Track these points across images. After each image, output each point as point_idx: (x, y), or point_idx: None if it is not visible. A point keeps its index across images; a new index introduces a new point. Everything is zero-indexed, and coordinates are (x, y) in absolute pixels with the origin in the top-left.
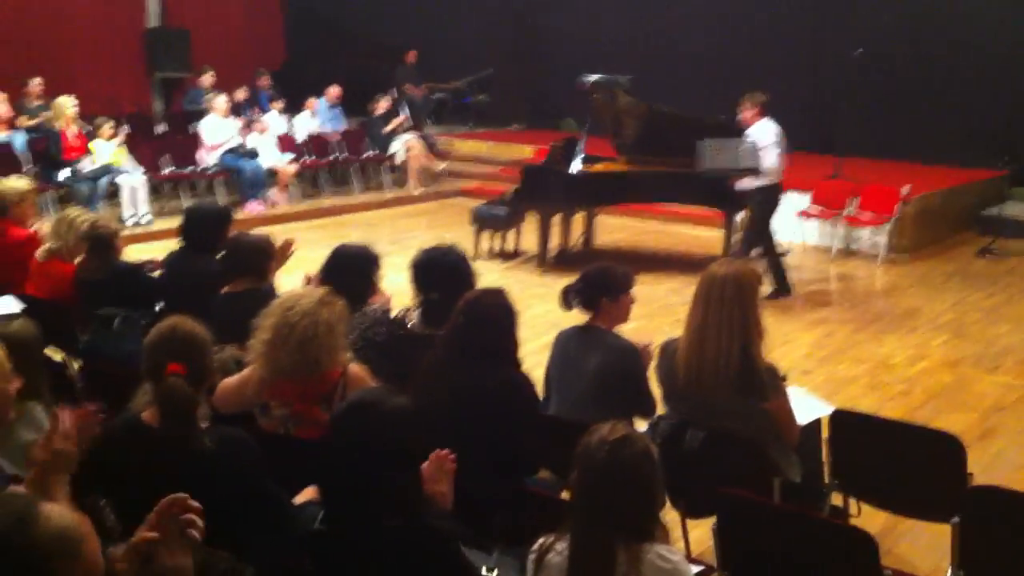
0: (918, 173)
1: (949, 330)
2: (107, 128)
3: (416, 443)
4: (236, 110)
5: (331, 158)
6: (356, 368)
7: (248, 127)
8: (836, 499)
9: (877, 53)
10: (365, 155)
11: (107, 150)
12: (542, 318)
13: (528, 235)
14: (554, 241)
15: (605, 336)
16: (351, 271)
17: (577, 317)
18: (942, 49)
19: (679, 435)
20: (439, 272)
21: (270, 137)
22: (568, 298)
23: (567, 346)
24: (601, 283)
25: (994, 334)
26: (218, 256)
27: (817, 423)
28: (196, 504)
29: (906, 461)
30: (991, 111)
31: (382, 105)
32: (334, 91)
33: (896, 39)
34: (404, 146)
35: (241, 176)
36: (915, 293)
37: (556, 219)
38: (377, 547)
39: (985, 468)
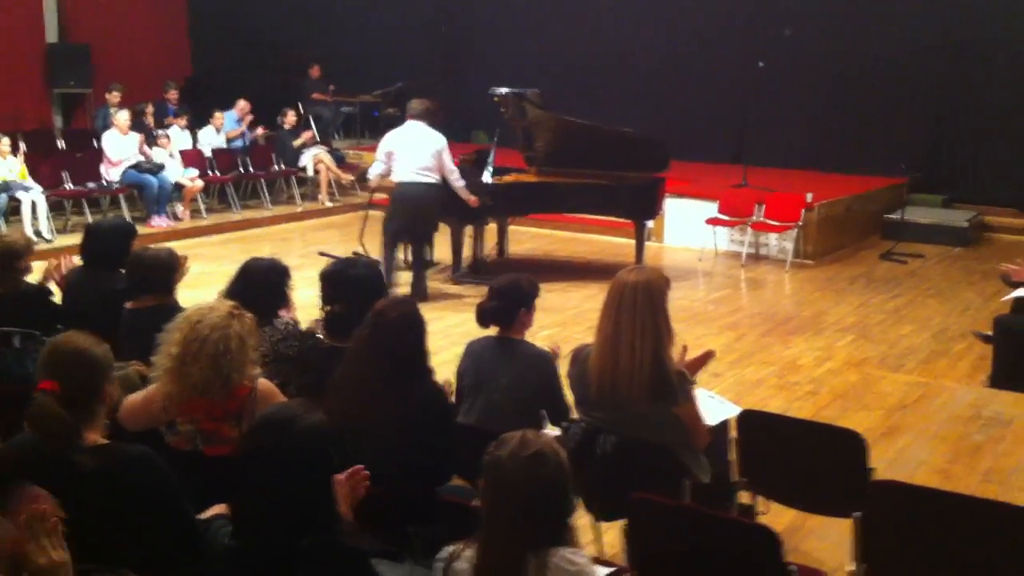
0: (822, 181)
1: (854, 332)
2: (4, 145)
3: (329, 459)
4: (140, 126)
5: (238, 172)
6: (266, 384)
7: (150, 142)
8: (745, 498)
9: (780, 65)
10: (274, 169)
11: (4, 167)
12: (456, 328)
13: (441, 246)
14: (467, 252)
15: (520, 346)
16: (261, 285)
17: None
18: (843, 61)
19: (591, 440)
20: (343, 284)
21: (174, 152)
22: (486, 317)
23: (481, 356)
24: (517, 296)
25: (897, 335)
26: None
27: (725, 424)
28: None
29: (811, 459)
30: (891, 121)
31: (290, 119)
32: (242, 104)
33: (797, 51)
34: (313, 160)
35: (146, 191)
36: (821, 296)
37: (468, 230)
38: (287, 564)
39: (889, 464)
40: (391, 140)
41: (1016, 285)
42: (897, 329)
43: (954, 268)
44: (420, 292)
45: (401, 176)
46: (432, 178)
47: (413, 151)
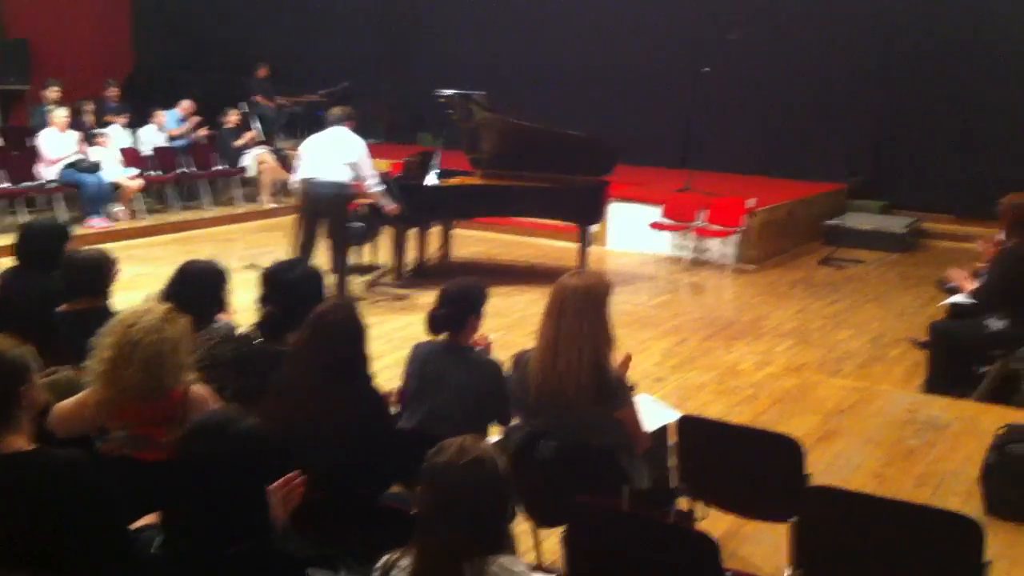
0: (764, 186)
1: (794, 336)
2: None
3: (264, 465)
4: (79, 124)
5: (179, 172)
6: (199, 388)
7: (88, 140)
8: (684, 503)
9: (724, 71)
10: (215, 169)
11: None
12: (398, 332)
13: (385, 249)
14: (411, 255)
15: (470, 353)
16: (198, 287)
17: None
18: (786, 67)
19: (531, 445)
20: (279, 287)
21: (113, 151)
22: (437, 324)
23: (427, 362)
24: (467, 301)
25: (835, 340)
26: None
27: (665, 429)
28: None
29: (748, 464)
30: (833, 127)
31: (232, 118)
32: (186, 104)
33: (742, 57)
34: (256, 160)
35: (83, 191)
36: (762, 301)
37: (412, 233)
38: (220, 572)
39: (826, 468)
40: (307, 142)
41: (952, 291)
42: (835, 334)
43: (892, 274)
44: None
45: (307, 173)
46: (341, 177)
47: (326, 151)
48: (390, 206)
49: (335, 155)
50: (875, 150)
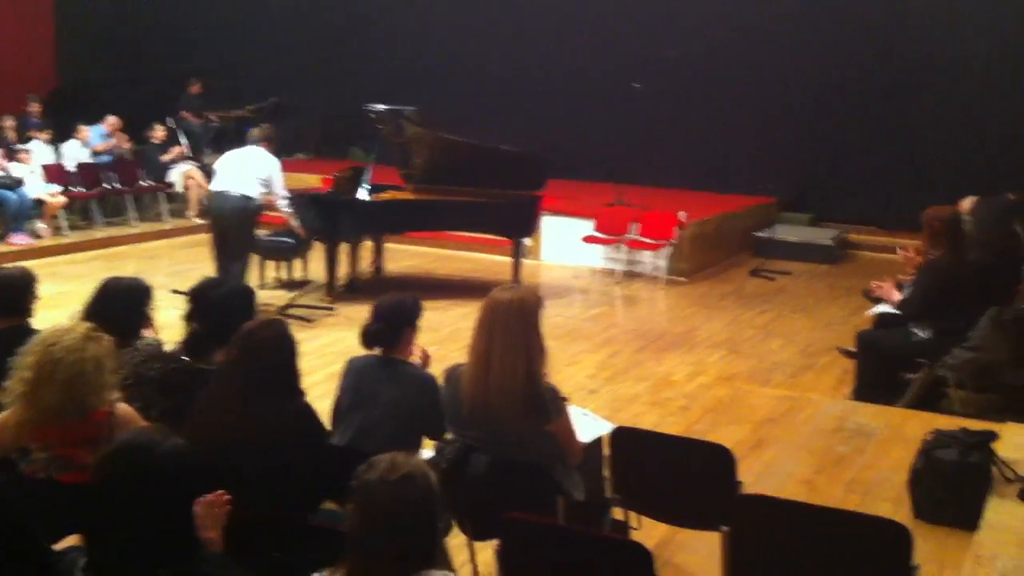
0: (695, 199)
1: (725, 347)
2: None
3: (189, 486)
4: (0, 140)
5: (103, 188)
6: (124, 408)
7: (10, 156)
8: (618, 514)
9: (654, 85)
10: (141, 184)
11: None
12: (330, 348)
13: (316, 264)
14: (343, 270)
15: (404, 367)
16: (120, 305)
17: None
18: (715, 82)
19: (464, 459)
20: (205, 305)
21: (35, 167)
22: (371, 339)
23: (361, 376)
24: (401, 315)
25: (766, 350)
26: None
27: (599, 441)
28: None
29: (681, 473)
30: (761, 141)
31: (159, 134)
32: (112, 119)
33: (672, 72)
34: (182, 175)
35: (4, 207)
36: (694, 313)
37: (344, 247)
38: None
39: (757, 477)
40: (223, 157)
41: (877, 301)
42: (766, 344)
43: (820, 284)
44: None
45: (216, 186)
46: (249, 191)
47: (239, 166)
48: (297, 226)
49: (247, 171)
50: (803, 164)
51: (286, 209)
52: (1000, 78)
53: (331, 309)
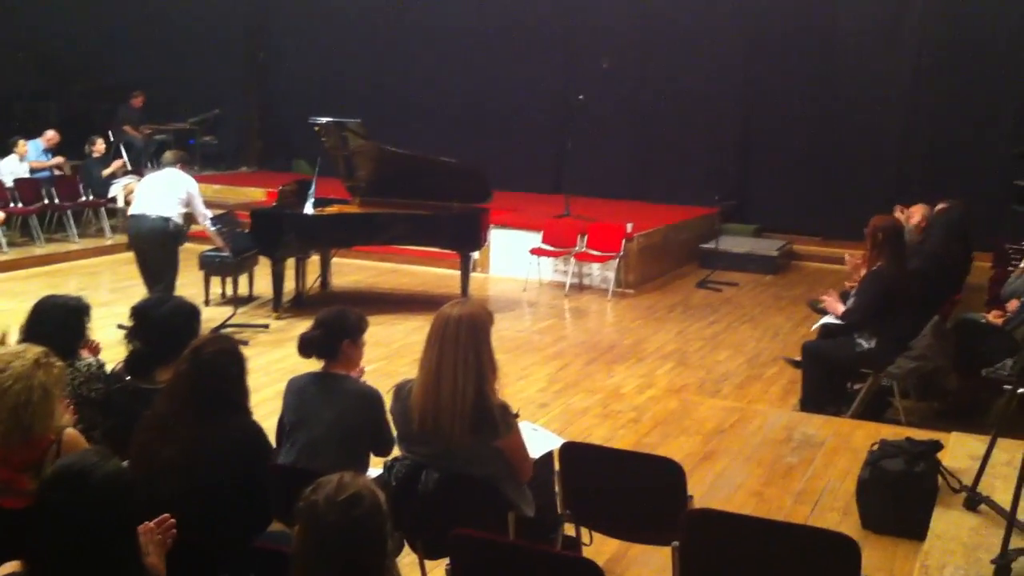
0: (641, 211)
1: (674, 359)
2: None
3: (131, 509)
4: None
5: (42, 203)
6: (72, 433)
7: None
8: (570, 529)
9: (599, 98)
10: (81, 200)
11: None
12: (277, 364)
13: (262, 279)
14: (289, 285)
15: (345, 382)
16: (56, 324)
17: (314, 362)
18: (658, 94)
19: (414, 477)
20: (147, 324)
21: None
22: (307, 347)
23: (303, 393)
24: (340, 327)
25: (714, 361)
26: None
27: (549, 456)
28: None
29: (632, 488)
30: (704, 153)
31: (99, 147)
32: (50, 134)
33: (615, 84)
34: (123, 190)
35: None
36: (642, 324)
37: (290, 262)
38: None
39: (708, 489)
40: (142, 181)
41: (822, 312)
42: (714, 355)
43: (765, 295)
44: None
45: (134, 209)
46: (167, 212)
47: (157, 188)
48: (221, 243)
49: (164, 192)
50: (745, 176)
51: (211, 228)
52: (935, 90)
53: (265, 327)
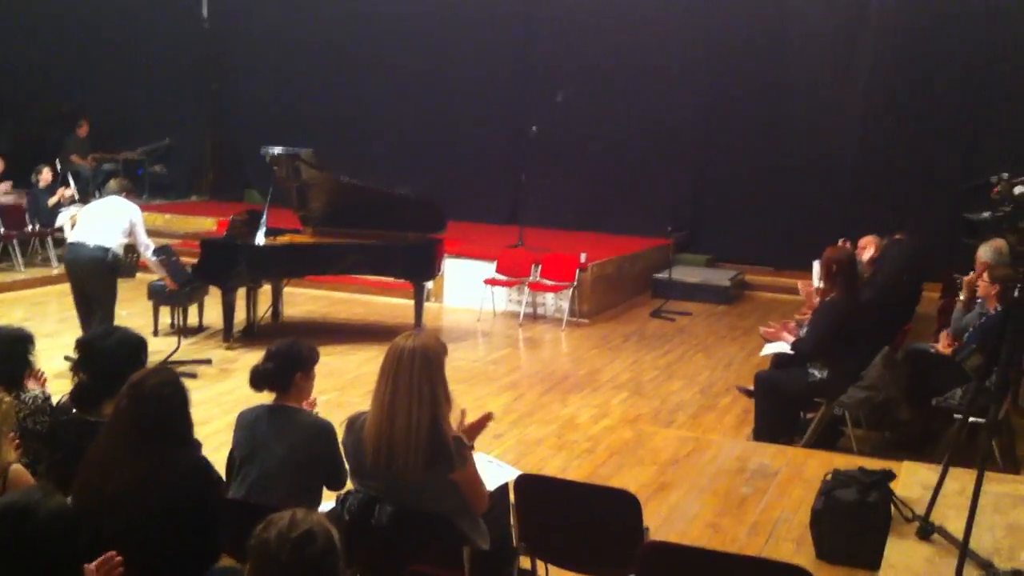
0: (595, 241)
1: (628, 388)
2: None
3: (76, 547)
4: None
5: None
6: (18, 470)
7: None
8: (525, 562)
9: (553, 129)
10: (28, 229)
11: None
12: (227, 396)
13: (212, 309)
14: (240, 315)
15: (297, 415)
16: (1, 354)
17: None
18: (611, 126)
19: (368, 511)
20: (93, 355)
21: None
22: (260, 380)
23: (255, 426)
24: (293, 359)
25: (668, 390)
26: None
27: (505, 488)
28: None
29: (587, 520)
30: (657, 184)
31: (45, 176)
32: None
33: (569, 116)
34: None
35: None
36: (597, 354)
37: (241, 292)
38: None
39: (664, 520)
40: (83, 209)
41: (770, 342)
42: (668, 385)
43: (719, 324)
44: None
45: (73, 237)
46: (105, 242)
47: (98, 217)
48: (168, 279)
49: (106, 221)
50: (697, 206)
51: (152, 259)
52: (886, 123)
53: (208, 362)
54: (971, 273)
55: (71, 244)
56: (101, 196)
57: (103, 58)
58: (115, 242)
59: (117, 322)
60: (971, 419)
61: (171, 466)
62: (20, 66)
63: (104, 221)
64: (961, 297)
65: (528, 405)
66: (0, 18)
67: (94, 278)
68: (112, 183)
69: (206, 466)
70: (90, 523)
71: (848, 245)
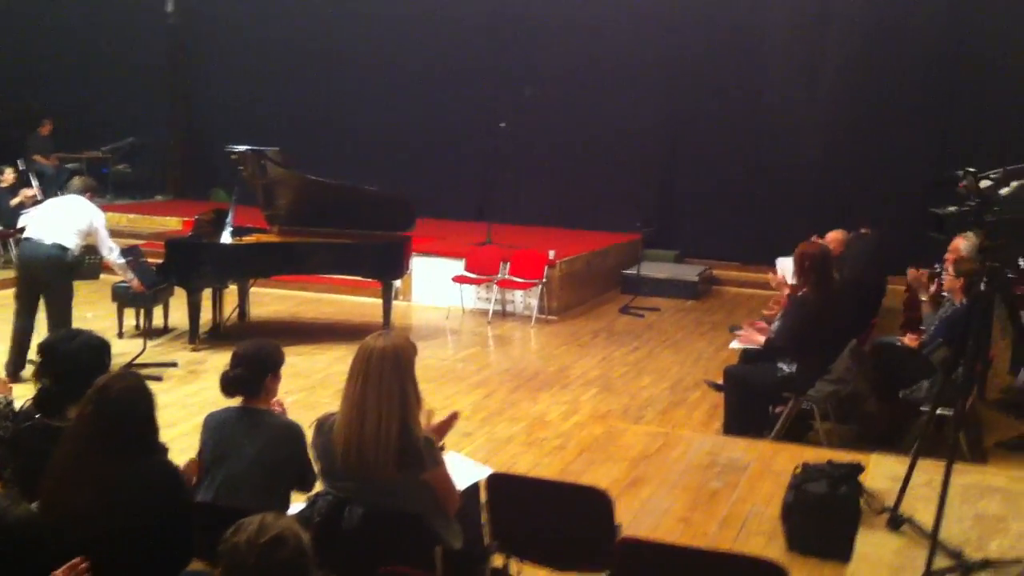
0: (563, 238)
1: (598, 384)
2: None
3: (42, 554)
4: None
5: None
6: None
7: None
8: (498, 561)
9: (521, 125)
10: None
11: None
12: (193, 398)
13: (177, 310)
14: (206, 316)
15: (266, 416)
16: None
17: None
18: (579, 122)
19: (338, 512)
20: (56, 359)
21: None
22: (231, 386)
23: (223, 429)
24: (263, 362)
25: (638, 386)
26: None
27: (476, 486)
28: None
29: (560, 518)
30: (625, 180)
31: (8, 177)
32: None
33: (537, 112)
34: None
35: None
36: (566, 351)
37: (207, 293)
38: None
39: (635, 515)
40: (42, 205)
41: (738, 336)
42: (637, 381)
43: (687, 320)
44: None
45: (29, 233)
46: (65, 241)
47: (56, 215)
48: (133, 281)
49: (66, 220)
50: (665, 202)
51: (117, 261)
52: (853, 118)
53: (174, 365)
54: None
55: (26, 240)
56: (63, 194)
57: (65, 55)
58: (74, 242)
59: (82, 324)
60: (938, 411)
61: (139, 473)
62: None
63: (63, 220)
64: (923, 298)
65: (498, 403)
66: None
67: (51, 277)
68: (75, 181)
69: (173, 472)
70: (56, 531)
71: (819, 241)
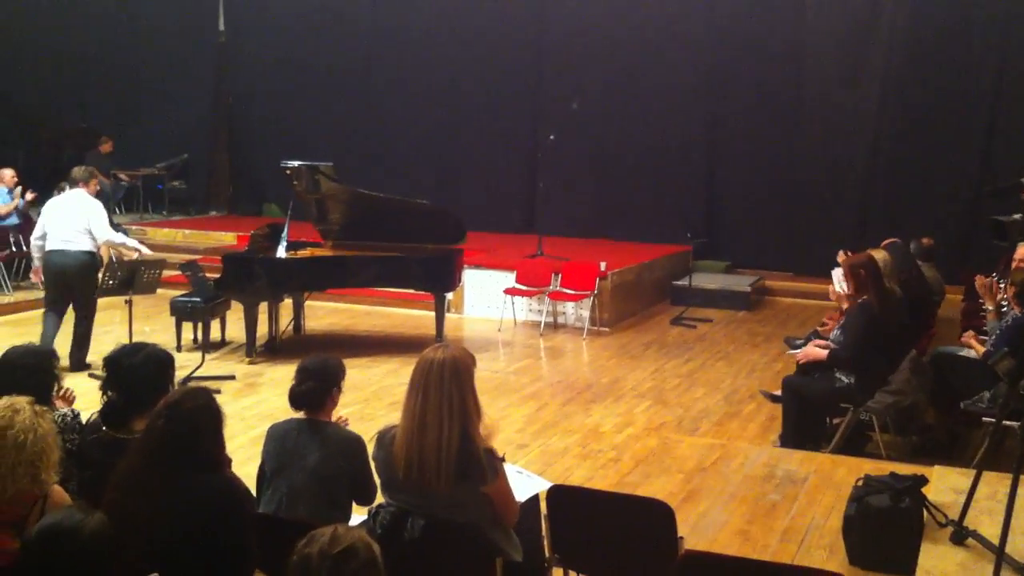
0: (613, 249)
1: (651, 396)
2: None
3: (114, 566)
4: None
5: (10, 251)
6: (59, 490)
7: None
8: (558, 574)
9: (570, 138)
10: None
11: None
12: (250, 410)
13: (234, 324)
14: (262, 329)
15: (328, 428)
16: (24, 374)
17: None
18: (627, 132)
19: (400, 524)
20: (119, 373)
21: None
22: (300, 400)
23: (285, 440)
24: (329, 376)
25: (691, 398)
26: None
27: (536, 498)
28: None
29: (621, 530)
30: (674, 190)
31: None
32: (9, 174)
33: (586, 125)
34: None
35: None
36: (618, 363)
37: (263, 306)
38: None
39: (693, 528)
40: (45, 211)
41: (797, 347)
42: (691, 393)
43: (739, 331)
44: (76, 363)
45: (50, 245)
46: (84, 245)
47: (64, 219)
48: (139, 249)
49: (75, 223)
50: (714, 213)
51: (116, 241)
52: (900, 126)
53: (232, 378)
54: (980, 277)
55: (56, 251)
56: (69, 188)
57: (121, 76)
58: (91, 243)
59: (141, 338)
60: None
61: (202, 487)
62: (38, 85)
63: (72, 223)
64: (989, 307)
65: (551, 415)
66: (18, 38)
67: (83, 282)
68: (76, 171)
69: (238, 486)
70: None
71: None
